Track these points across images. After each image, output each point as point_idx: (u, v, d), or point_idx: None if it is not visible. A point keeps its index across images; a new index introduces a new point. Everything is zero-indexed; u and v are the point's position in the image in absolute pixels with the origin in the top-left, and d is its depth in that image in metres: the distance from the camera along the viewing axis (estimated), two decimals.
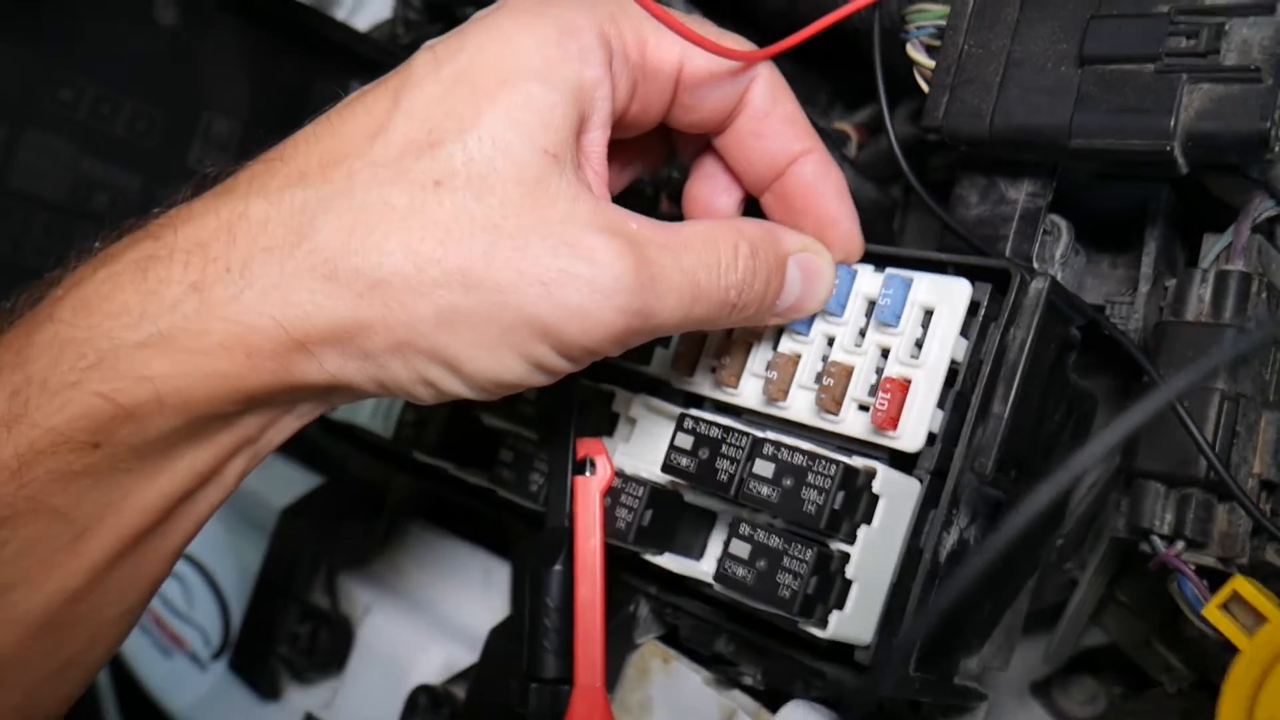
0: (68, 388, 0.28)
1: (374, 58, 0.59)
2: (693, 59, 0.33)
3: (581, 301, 0.29)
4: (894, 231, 0.50)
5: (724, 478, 0.34)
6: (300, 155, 0.30)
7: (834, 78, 0.67)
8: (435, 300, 0.29)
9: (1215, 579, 0.35)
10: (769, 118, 0.35)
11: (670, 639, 0.42)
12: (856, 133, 0.52)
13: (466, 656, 0.46)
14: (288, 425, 0.33)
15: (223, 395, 0.29)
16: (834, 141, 0.49)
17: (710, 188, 0.38)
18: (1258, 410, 0.35)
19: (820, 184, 0.36)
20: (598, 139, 0.32)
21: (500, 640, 0.42)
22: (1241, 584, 0.29)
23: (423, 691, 0.44)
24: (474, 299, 0.29)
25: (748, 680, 0.39)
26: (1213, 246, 0.36)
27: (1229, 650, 0.29)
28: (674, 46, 0.33)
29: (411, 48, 0.59)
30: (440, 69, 0.30)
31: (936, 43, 0.38)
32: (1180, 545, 0.35)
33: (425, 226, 0.29)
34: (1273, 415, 0.35)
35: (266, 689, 0.51)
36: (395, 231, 0.29)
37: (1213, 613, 0.29)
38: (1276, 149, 0.31)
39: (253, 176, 0.30)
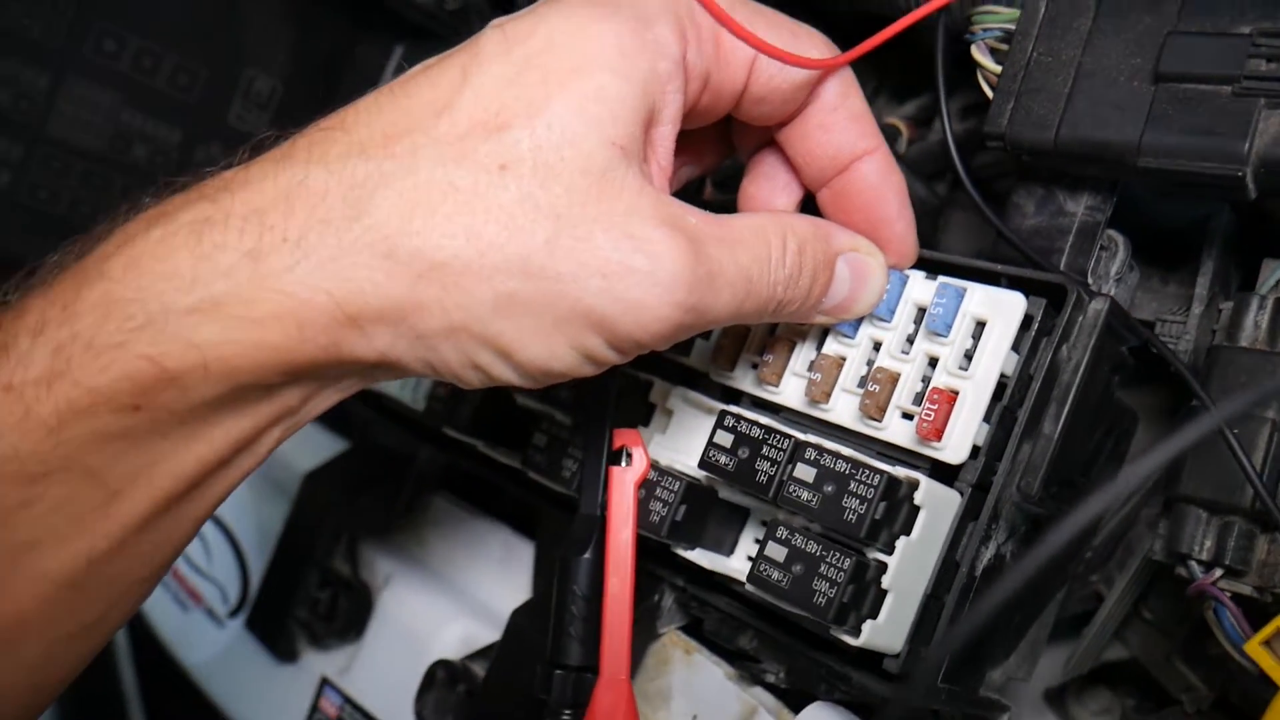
0: (113, 348, 0.28)
1: (420, 23, 0.58)
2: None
3: (640, 295, 0.29)
4: (937, 229, 0.50)
5: (763, 479, 0.34)
6: (362, 126, 0.30)
7: (881, 68, 0.66)
8: (494, 286, 0.28)
9: (1250, 607, 0.35)
10: (837, 112, 0.35)
11: (693, 630, 0.42)
12: (907, 128, 0.51)
13: (485, 633, 0.46)
14: (328, 398, 0.32)
15: (269, 366, 0.29)
16: (886, 135, 0.48)
17: (768, 187, 0.37)
18: None
19: (881, 185, 0.35)
20: (667, 133, 0.32)
21: (523, 621, 0.42)
22: None
23: (441, 665, 0.44)
24: (533, 287, 0.28)
25: (770, 678, 0.38)
26: (1273, 272, 0.35)
27: (1269, 686, 0.29)
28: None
29: (459, 15, 0.58)
30: (511, 50, 0.30)
31: (1003, 46, 0.37)
32: (1218, 573, 0.34)
33: (489, 210, 0.28)
34: None
35: (283, 650, 0.51)
36: (458, 213, 0.28)
37: (1255, 649, 0.29)
38: None
39: (312, 144, 0.30)
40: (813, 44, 0.33)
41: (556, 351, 0.30)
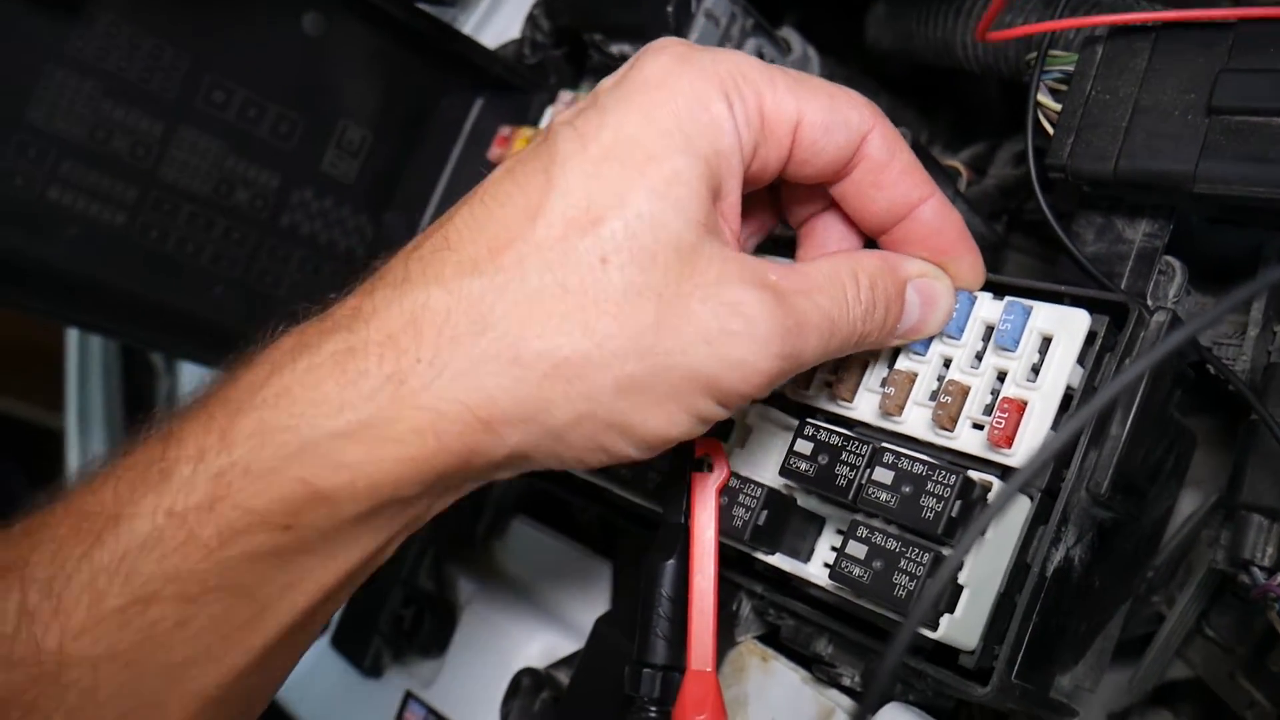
0: (269, 472, 0.30)
1: (499, 76, 0.62)
2: (809, 112, 0.34)
3: (743, 354, 0.32)
4: (996, 268, 0.52)
5: (843, 483, 0.36)
6: (467, 243, 0.32)
7: (931, 119, 0.69)
8: (614, 372, 0.31)
9: None
10: (887, 169, 0.36)
11: (769, 639, 0.43)
12: (966, 171, 0.54)
13: (566, 645, 0.48)
14: (451, 498, 0.34)
15: (409, 478, 0.31)
16: (947, 177, 0.51)
17: (833, 236, 0.39)
18: None
19: (941, 224, 0.37)
20: (734, 202, 0.34)
21: (606, 628, 0.44)
22: None
23: (526, 673, 0.46)
24: (647, 364, 0.31)
25: (846, 681, 0.40)
26: None
27: None
28: (790, 101, 0.34)
29: (537, 69, 0.62)
30: (587, 147, 0.32)
31: (1063, 87, 0.40)
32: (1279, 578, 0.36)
33: (599, 303, 0.31)
34: None
35: (369, 666, 0.54)
36: (573, 311, 0.31)
37: None
38: None
39: (426, 266, 0.32)
40: (851, 104, 0.35)
41: (674, 418, 0.32)
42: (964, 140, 0.66)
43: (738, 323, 0.31)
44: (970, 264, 0.38)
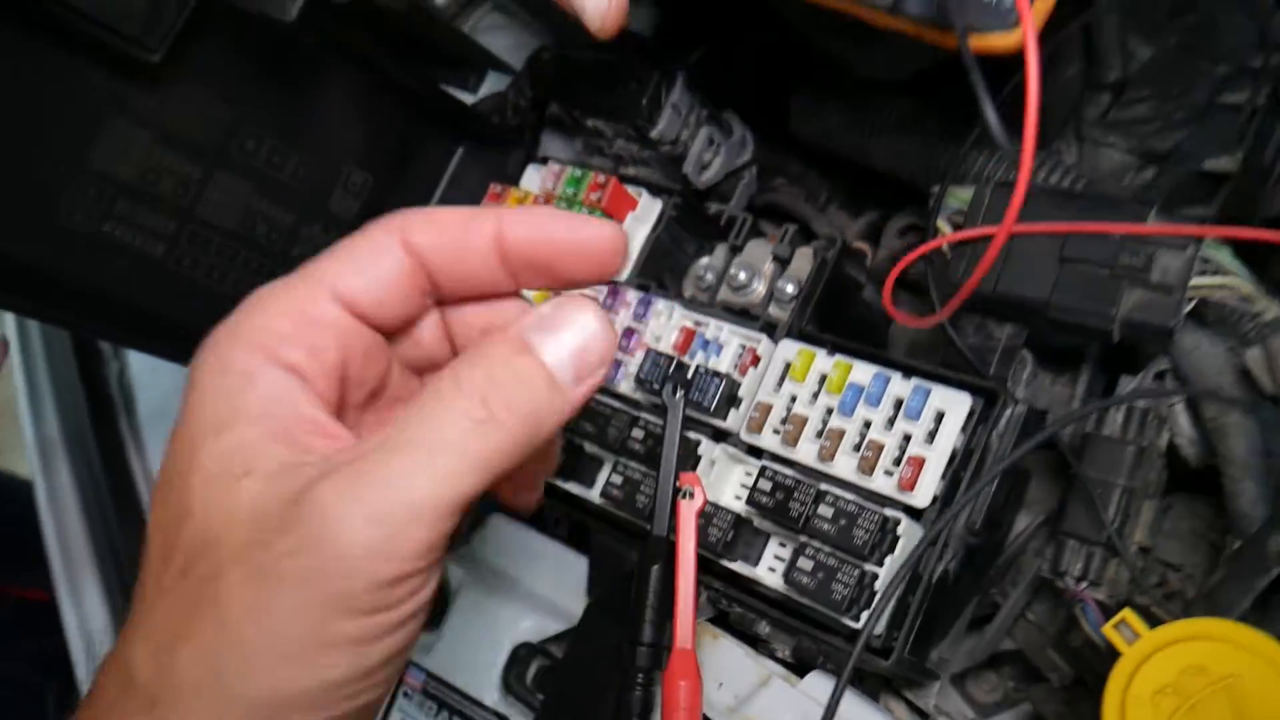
0: None
1: (480, 132, 0.72)
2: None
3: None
4: (889, 336, 0.67)
5: (795, 514, 0.50)
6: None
7: (832, 182, 0.82)
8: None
9: (1102, 608, 0.52)
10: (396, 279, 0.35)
11: (719, 620, 0.57)
12: (870, 250, 0.68)
13: (554, 625, 0.60)
14: None
15: None
16: (857, 261, 0.65)
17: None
18: (1142, 499, 0.52)
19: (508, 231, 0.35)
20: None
21: (595, 611, 0.57)
22: (1128, 613, 0.46)
23: (524, 646, 0.58)
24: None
25: (779, 654, 0.54)
26: (1127, 384, 0.53)
27: (1114, 655, 0.46)
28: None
29: (516, 129, 0.72)
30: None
31: (959, 219, 0.54)
32: (1085, 584, 0.52)
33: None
34: (1151, 503, 0.52)
35: None
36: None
37: (1109, 631, 0.46)
38: (1176, 342, 0.48)
39: None
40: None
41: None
42: (857, 204, 0.79)
43: (309, 535, 0.29)
44: (584, 231, 0.35)
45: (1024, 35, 0.37)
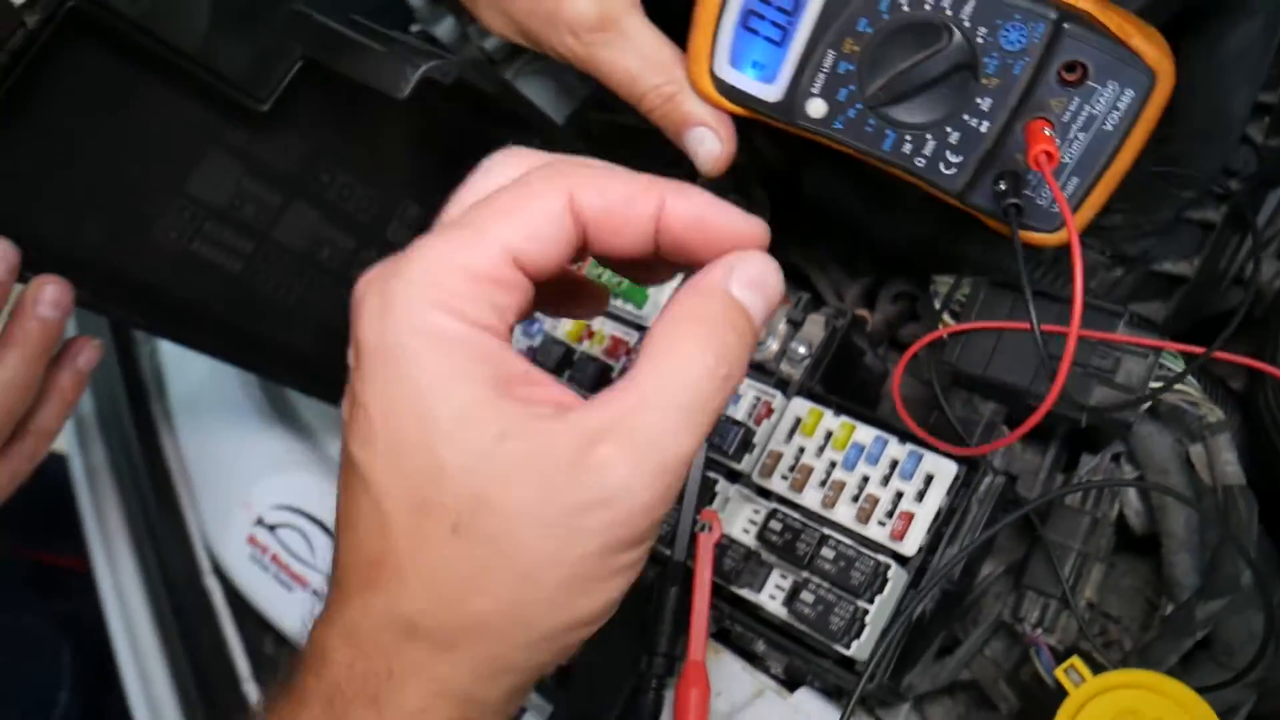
0: None
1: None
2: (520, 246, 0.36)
3: (620, 520, 0.35)
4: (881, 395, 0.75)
5: (801, 553, 0.58)
6: (352, 577, 0.35)
7: (835, 246, 0.90)
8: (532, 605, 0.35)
9: (1053, 652, 0.61)
10: (610, 214, 0.36)
11: (720, 637, 0.65)
12: (869, 315, 0.76)
13: None
14: None
15: None
16: (858, 328, 0.73)
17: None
18: (1093, 562, 0.61)
19: (698, 209, 0.37)
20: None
21: (611, 622, 0.64)
22: (1076, 660, 0.54)
23: None
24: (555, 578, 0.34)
25: (774, 670, 0.62)
26: (1089, 463, 0.62)
27: (1061, 694, 0.55)
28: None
29: None
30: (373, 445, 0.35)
31: (958, 309, 0.63)
32: (1040, 631, 0.60)
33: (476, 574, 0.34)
34: (1100, 567, 0.61)
35: None
36: (469, 582, 0.34)
37: (1060, 673, 0.55)
38: (1134, 431, 0.57)
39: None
40: (543, 191, 0.36)
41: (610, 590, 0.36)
42: (853, 265, 0.87)
43: (604, 493, 0.33)
44: (742, 222, 0.38)
45: (1070, 238, 0.46)
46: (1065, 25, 0.47)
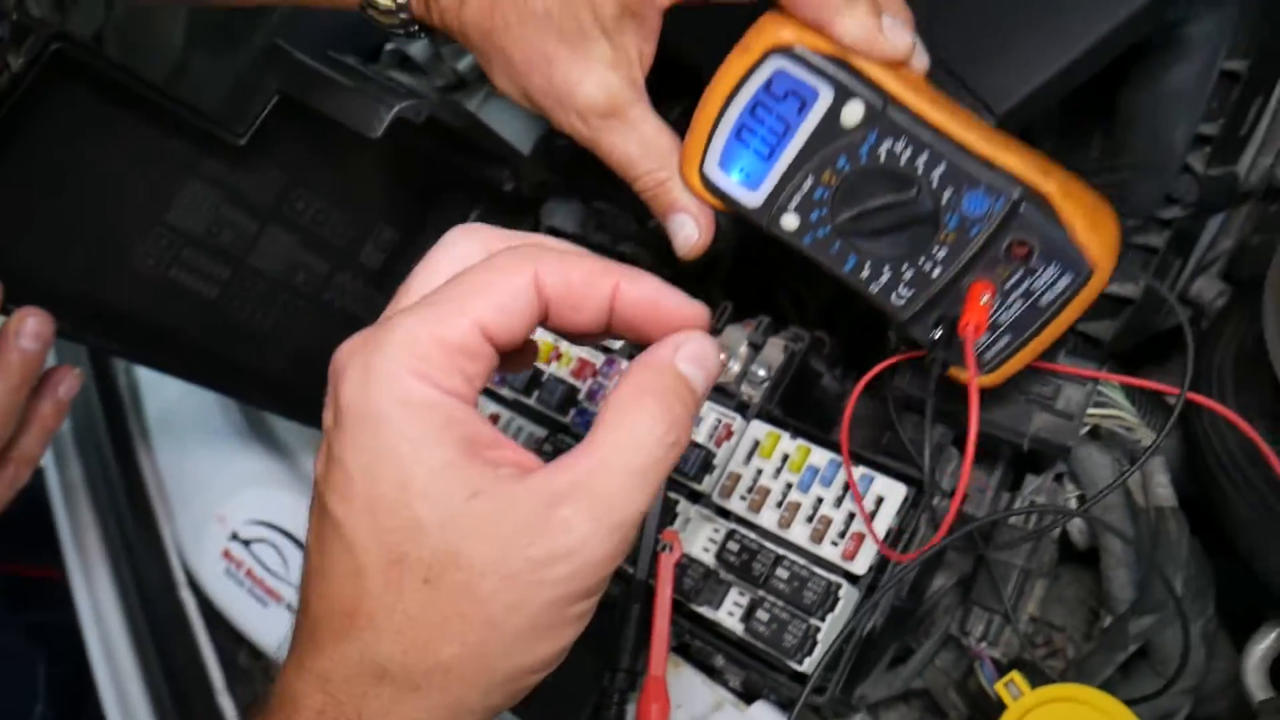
0: None
1: (495, 198, 0.82)
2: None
3: (576, 570, 0.37)
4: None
5: (757, 573, 0.61)
6: (322, 627, 0.37)
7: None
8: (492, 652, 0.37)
9: (997, 665, 0.64)
10: (568, 293, 0.39)
11: (680, 650, 0.67)
12: (828, 340, 0.79)
13: None
14: None
15: None
16: (817, 350, 0.76)
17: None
18: (1036, 578, 0.64)
19: (649, 293, 0.41)
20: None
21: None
22: (1015, 675, 0.57)
23: None
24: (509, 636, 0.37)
25: (731, 683, 0.65)
26: (1032, 484, 0.65)
27: (1002, 706, 0.58)
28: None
29: (531, 201, 0.82)
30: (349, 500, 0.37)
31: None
32: (985, 645, 0.63)
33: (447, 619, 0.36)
34: (1043, 582, 0.64)
35: None
36: (433, 632, 0.36)
37: (999, 687, 0.58)
38: (1074, 453, 0.60)
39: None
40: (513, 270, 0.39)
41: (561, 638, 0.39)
42: (813, 286, 0.90)
43: (564, 549, 0.36)
44: (686, 305, 0.42)
45: (969, 390, 0.52)
46: (1022, 206, 0.49)
